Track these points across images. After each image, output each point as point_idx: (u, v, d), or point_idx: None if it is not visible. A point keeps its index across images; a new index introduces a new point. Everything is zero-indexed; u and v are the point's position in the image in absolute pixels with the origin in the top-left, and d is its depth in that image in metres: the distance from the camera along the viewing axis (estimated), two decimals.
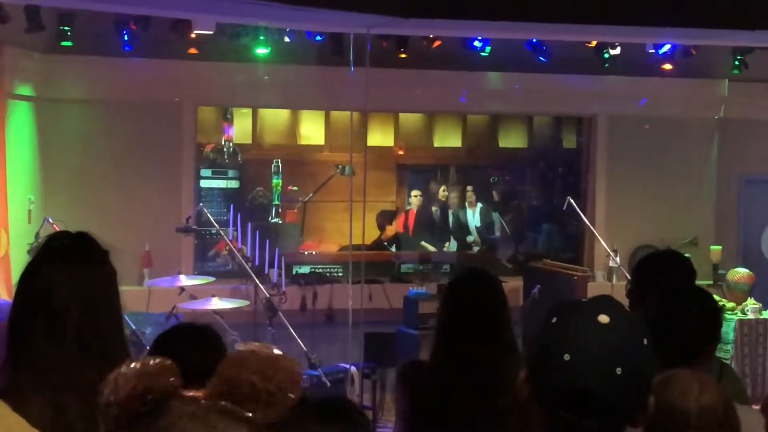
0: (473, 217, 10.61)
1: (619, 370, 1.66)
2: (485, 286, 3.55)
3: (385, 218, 10.05)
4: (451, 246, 10.55)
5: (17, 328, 2.33)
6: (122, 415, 1.36)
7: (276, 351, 1.40)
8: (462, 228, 10.58)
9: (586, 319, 1.72)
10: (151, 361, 1.39)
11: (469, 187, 10.68)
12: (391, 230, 10.04)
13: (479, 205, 10.63)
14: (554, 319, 1.75)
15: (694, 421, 2.33)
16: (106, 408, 1.37)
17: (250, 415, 1.37)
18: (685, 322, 2.97)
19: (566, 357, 1.67)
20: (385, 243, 9.80)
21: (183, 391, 1.40)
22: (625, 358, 1.67)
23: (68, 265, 2.35)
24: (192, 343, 2.88)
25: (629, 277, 7.99)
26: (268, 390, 1.37)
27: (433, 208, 10.64)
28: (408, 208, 10.32)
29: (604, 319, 1.71)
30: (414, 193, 10.30)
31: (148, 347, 6.28)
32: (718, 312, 3.10)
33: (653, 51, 8.77)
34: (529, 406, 1.76)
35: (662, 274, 3.62)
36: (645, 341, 1.74)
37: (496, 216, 10.71)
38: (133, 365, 1.37)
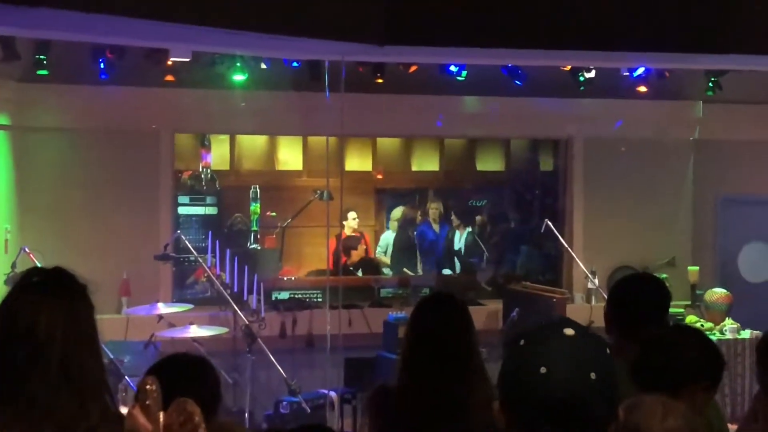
0: (459, 240, 10.62)
1: (593, 375, 1.72)
2: (449, 310, 3.55)
3: (350, 243, 10.03)
4: (419, 269, 10.55)
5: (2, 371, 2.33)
6: None
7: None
8: (447, 250, 10.58)
9: (553, 334, 1.79)
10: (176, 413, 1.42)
11: (453, 212, 10.73)
12: (356, 255, 10.02)
13: (468, 229, 10.65)
14: (522, 342, 1.80)
15: None
16: None
17: None
18: (681, 359, 2.97)
19: (542, 370, 1.72)
20: (351, 268, 9.77)
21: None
22: (596, 365, 1.74)
23: (49, 301, 2.35)
24: (186, 374, 2.88)
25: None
26: None
27: (409, 232, 10.66)
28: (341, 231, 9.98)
29: (569, 332, 1.78)
30: (352, 215, 10.17)
31: (126, 377, 6.28)
32: (713, 351, 3.09)
33: (627, 74, 8.85)
34: None
35: (638, 297, 3.64)
36: (607, 350, 1.81)
37: (476, 238, 10.73)
38: (160, 417, 1.41)
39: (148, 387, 1.64)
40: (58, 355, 2.30)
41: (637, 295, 3.64)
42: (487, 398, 3.47)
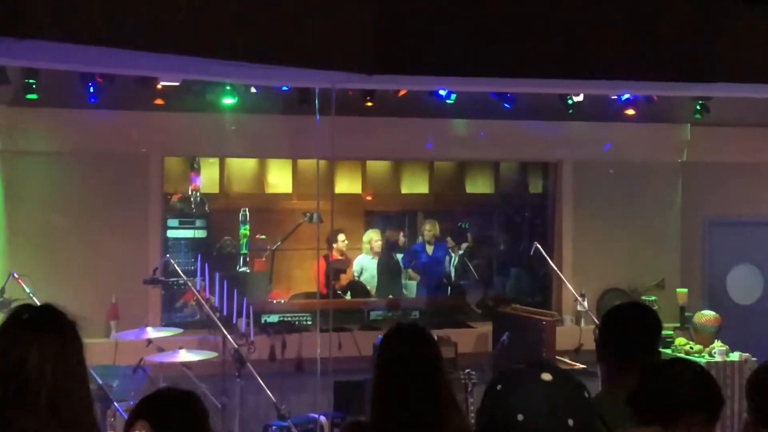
0: (453, 261, 10.63)
1: (570, 422, 1.71)
2: (415, 341, 3.54)
3: (338, 266, 10.02)
4: (410, 290, 10.53)
5: None
6: None
7: None
8: (442, 271, 10.57)
9: (530, 379, 1.77)
10: None
11: (449, 234, 10.74)
12: (345, 278, 10.01)
13: (461, 251, 10.65)
14: (499, 387, 1.79)
15: None
16: None
17: None
18: (680, 390, 2.97)
19: (519, 417, 1.71)
20: (339, 291, 9.76)
21: None
22: (574, 410, 1.73)
23: (39, 338, 2.36)
24: (176, 409, 2.88)
25: (597, 322, 8.07)
26: None
27: (393, 254, 10.66)
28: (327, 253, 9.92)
29: (547, 377, 1.76)
30: (341, 237, 10.15)
31: (115, 402, 6.25)
32: (712, 384, 3.09)
33: (616, 97, 8.90)
34: None
35: (631, 326, 3.64)
36: (586, 394, 1.80)
37: (466, 260, 10.74)
38: None
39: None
40: (48, 390, 2.31)
41: (629, 324, 3.65)
42: (460, 426, 3.47)
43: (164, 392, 3.11)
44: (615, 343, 3.61)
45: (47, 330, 2.40)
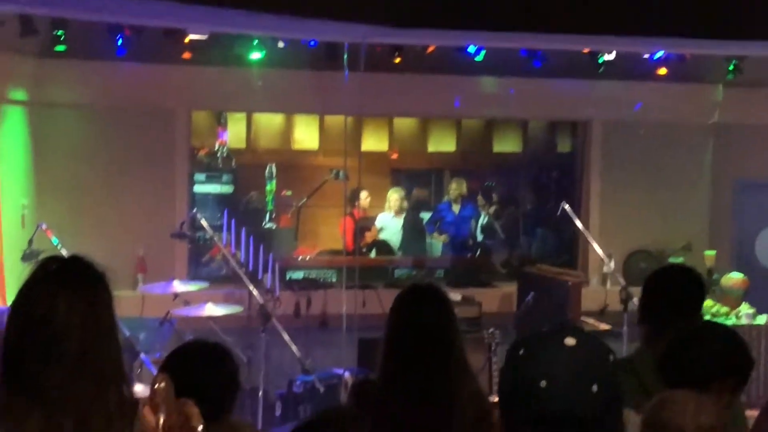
0: (481, 220, 10.60)
1: (595, 388, 1.67)
2: (429, 302, 3.52)
3: (363, 224, 9.99)
4: (434, 249, 10.49)
5: (14, 350, 2.33)
6: None
7: None
8: (468, 230, 10.53)
9: (553, 345, 1.73)
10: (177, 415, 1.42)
11: (479, 193, 10.70)
12: (369, 236, 9.98)
13: (491, 209, 10.60)
14: (522, 351, 1.75)
15: None
16: None
17: None
18: (711, 355, 2.94)
19: (542, 384, 1.67)
20: (364, 249, 9.74)
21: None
22: (598, 376, 1.69)
23: (67, 291, 2.34)
24: (205, 362, 2.88)
25: (623, 283, 8.04)
26: None
27: (419, 213, 10.63)
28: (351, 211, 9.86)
29: (570, 341, 1.72)
30: (363, 195, 10.09)
31: (142, 354, 6.29)
32: (742, 348, 3.06)
33: (647, 56, 8.78)
34: None
35: (674, 289, 3.60)
36: (611, 357, 1.76)
37: (492, 220, 10.71)
38: (161, 418, 1.41)
39: (157, 386, 1.63)
40: (76, 344, 2.29)
41: (673, 288, 3.61)
42: (470, 391, 3.45)
43: (194, 345, 3.12)
44: (653, 305, 3.58)
45: (75, 281, 2.38)
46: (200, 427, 1.56)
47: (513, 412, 1.73)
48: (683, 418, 2.35)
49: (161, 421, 1.58)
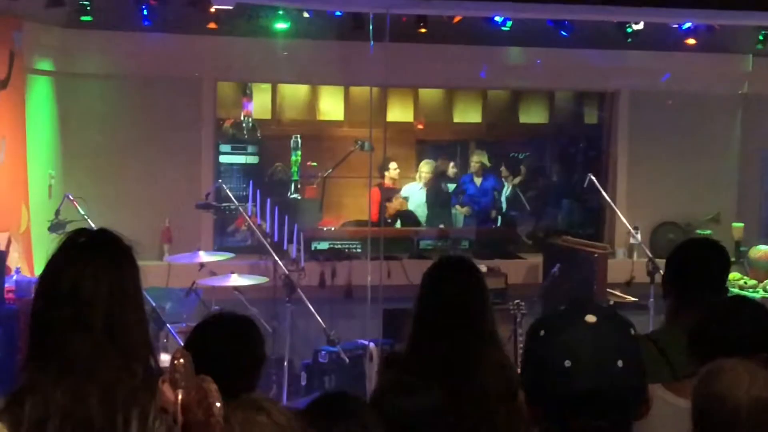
0: (505, 191, 10.56)
1: (620, 363, 1.67)
2: (462, 275, 3.50)
3: (387, 195, 9.97)
4: (459, 220, 10.45)
5: (41, 322, 2.36)
6: None
7: None
8: (490, 202, 10.50)
9: (574, 323, 1.72)
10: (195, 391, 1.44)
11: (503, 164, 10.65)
12: (392, 207, 9.95)
13: (515, 180, 10.56)
14: (542, 332, 1.74)
15: (745, 414, 2.30)
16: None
17: None
18: (740, 329, 2.91)
19: (567, 364, 1.66)
20: (388, 220, 9.72)
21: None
22: (621, 351, 1.68)
23: (94, 263, 2.36)
24: (229, 337, 2.89)
25: (650, 255, 7.99)
26: None
27: (443, 184, 10.58)
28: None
29: (591, 318, 1.71)
30: (393, 166, 10.06)
31: (167, 324, 6.33)
32: None
33: (676, 26, 8.68)
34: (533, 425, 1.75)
35: (699, 263, 3.57)
36: (632, 331, 1.75)
37: (517, 191, 10.66)
38: (180, 394, 1.43)
39: (176, 362, 1.64)
40: (102, 316, 2.31)
41: (698, 261, 3.58)
42: (499, 364, 3.44)
43: (219, 319, 3.12)
44: (677, 280, 3.55)
45: (102, 254, 2.40)
46: (218, 404, 1.57)
47: (539, 393, 1.72)
48: (739, 390, 2.32)
49: (179, 397, 1.58)
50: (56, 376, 2.28)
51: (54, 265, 2.40)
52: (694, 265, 3.56)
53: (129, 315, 2.36)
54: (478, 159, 10.56)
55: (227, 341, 2.86)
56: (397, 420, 2.71)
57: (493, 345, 3.49)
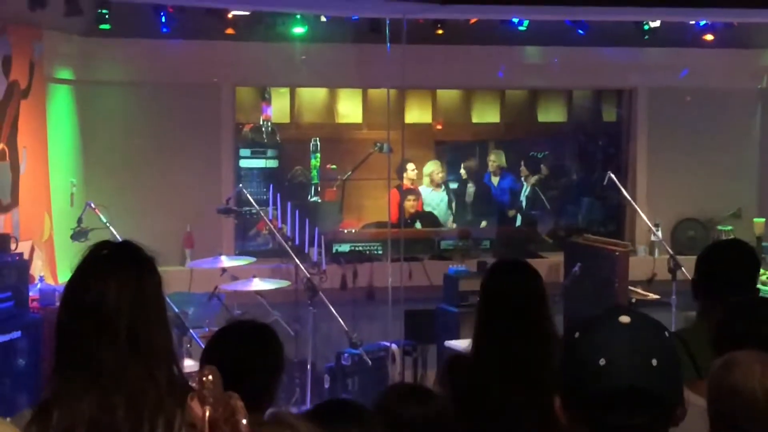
0: (525, 190, 10.55)
1: (654, 362, 1.67)
2: (524, 278, 3.51)
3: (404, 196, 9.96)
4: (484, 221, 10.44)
5: (67, 333, 2.40)
6: None
7: None
8: (508, 201, 10.49)
9: (609, 324, 1.74)
10: (223, 407, 1.47)
11: (522, 162, 10.63)
12: (412, 208, 9.95)
13: (534, 178, 10.55)
14: (576, 335, 1.76)
15: (762, 403, 2.31)
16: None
17: None
18: (764, 327, 2.92)
19: (602, 362, 1.68)
20: (408, 221, 9.73)
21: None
22: (656, 350, 1.69)
23: (117, 275, 2.40)
24: (249, 343, 2.91)
25: (671, 252, 7.97)
26: None
27: (469, 185, 10.58)
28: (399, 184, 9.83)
29: (625, 319, 1.73)
30: (411, 167, 10.04)
31: (190, 329, 6.37)
32: None
33: (693, 22, 8.66)
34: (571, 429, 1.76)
35: (728, 265, 3.59)
36: (666, 333, 1.76)
37: (537, 190, 10.66)
38: (207, 411, 1.46)
39: (204, 378, 1.66)
40: (126, 326, 2.35)
41: (727, 263, 3.59)
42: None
43: (237, 326, 3.14)
44: (708, 282, 3.57)
45: (125, 266, 2.44)
46: (244, 421, 1.60)
47: (575, 394, 1.73)
48: (752, 381, 2.33)
49: (207, 413, 1.61)
50: (83, 387, 2.32)
51: (78, 277, 2.44)
52: (724, 267, 3.58)
53: (152, 326, 2.39)
54: (496, 159, 10.58)
55: (245, 351, 2.88)
56: (402, 428, 2.71)
57: (556, 344, 3.51)
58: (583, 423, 1.72)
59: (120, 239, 2.64)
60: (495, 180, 10.54)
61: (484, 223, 10.26)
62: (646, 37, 8.64)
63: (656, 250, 9.34)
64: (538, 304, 3.47)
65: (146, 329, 2.37)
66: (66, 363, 2.38)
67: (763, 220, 9.34)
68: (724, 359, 2.43)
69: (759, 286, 8.28)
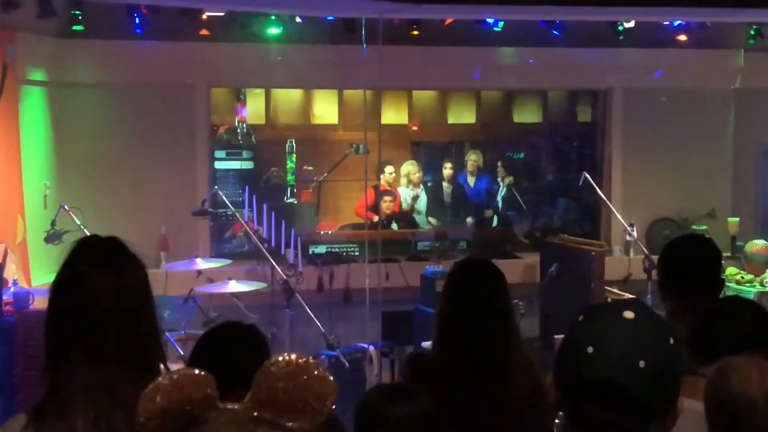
0: (500, 191, 10.56)
1: (642, 364, 1.65)
2: (485, 276, 3.51)
3: (381, 197, 9.96)
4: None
5: (55, 329, 2.37)
6: (160, 429, 1.36)
7: (310, 360, 1.40)
8: (485, 202, 10.49)
9: (611, 315, 1.73)
10: (187, 373, 1.39)
11: (499, 163, 10.64)
12: (389, 209, 9.94)
13: (509, 179, 10.56)
14: (581, 318, 1.76)
15: (762, 408, 2.32)
16: (145, 422, 1.37)
17: (288, 424, 1.37)
18: (740, 327, 2.93)
19: (589, 350, 1.67)
20: (384, 221, 9.72)
21: (220, 403, 1.41)
22: (648, 353, 1.66)
23: (100, 265, 2.38)
24: (237, 344, 2.89)
25: (646, 252, 8.00)
26: (304, 399, 1.37)
27: (444, 185, 10.58)
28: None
29: (629, 314, 1.71)
30: (389, 169, 10.04)
31: (166, 332, 6.33)
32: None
33: (668, 23, 8.71)
34: (556, 407, 1.76)
35: (690, 261, 3.59)
36: (671, 341, 1.73)
37: (513, 191, 10.67)
38: (169, 377, 1.37)
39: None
40: (115, 332, 2.33)
41: (689, 260, 3.60)
42: (523, 364, 3.46)
43: (224, 328, 3.11)
44: (673, 281, 3.58)
45: (108, 257, 2.42)
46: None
47: (561, 374, 1.73)
48: (751, 386, 2.34)
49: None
50: (77, 401, 2.28)
51: (63, 269, 2.42)
52: (686, 264, 3.59)
53: (142, 327, 2.38)
54: (475, 159, 10.58)
55: (234, 351, 2.86)
56: (385, 427, 2.70)
57: (518, 344, 3.51)
58: (566, 403, 1.72)
59: None
60: (471, 180, 10.54)
61: (470, 220, 10.23)
62: (621, 37, 8.68)
63: (631, 250, 9.39)
64: (502, 303, 3.47)
65: (135, 333, 2.35)
66: (57, 361, 2.35)
67: (737, 219, 9.41)
68: (720, 365, 2.43)
69: (734, 285, 8.38)
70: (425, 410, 2.76)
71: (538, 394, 3.32)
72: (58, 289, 2.41)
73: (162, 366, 2.38)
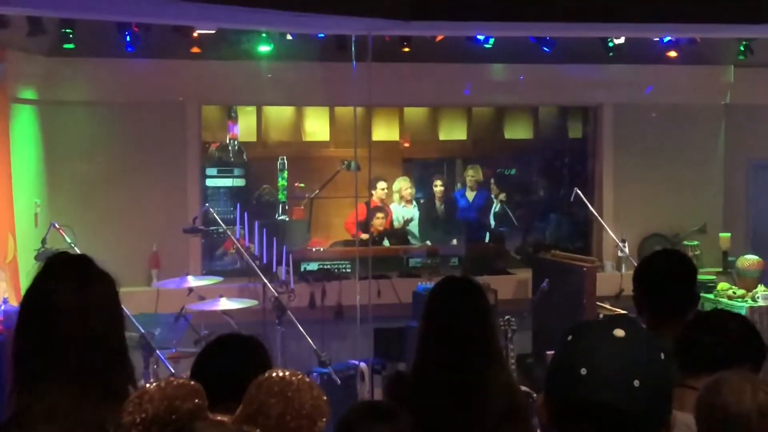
0: (494, 207, 10.57)
1: (636, 383, 1.63)
2: (466, 295, 3.50)
3: (373, 213, 9.96)
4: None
5: (21, 362, 2.33)
6: None
7: (305, 379, 1.39)
8: (480, 218, 10.49)
9: (601, 334, 1.70)
10: (176, 382, 1.37)
11: (492, 180, 10.66)
12: (381, 225, 9.95)
13: (503, 196, 10.57)
14: (570, 337, 1.73)
15: (755, 422, 2.31)
16: (130, 428, 1.35)
17: None
18: (726, 340, 2.94)
19: (582, 371, 1.64)
20: (376, 238, 9.72)
21: (210, 414, 1.39)
22: (642, 371, 1.65)
23: (69, 291, 2.34)
24: (237, 356, 2.87)
25: None
26: (295, 416, 1.35)
27: (437, 202, 10.60)
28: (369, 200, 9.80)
29: (619, 333, 1.69)
30: (381, 185, 10.06)
31: (157, 350, 6.30)
32: (755, 334, 3.06)
33: (658, 39, 8.73)
34: (548, 428, 1.74)
35: (665, 278, 3.61)
36: (662, 356, 1.71)
37: (505, 207, 10.69)
38: (157, 385, 1.35)
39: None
40: (80, 353, 2.28)
41: (663, 276, 3.62)
42: (504, 384, 3.44)
43: (227, 339, 3.09)
44: (648, 298, 3.59)
45: (73, 274, 2.39)
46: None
47: (554, 395, 1.71)
48: (745, 400, 2.33)
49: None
50: (40, 420, 2.24)
51: (31, 285, 2.40)
52: (661, 279, 3.60)
53: (109, 350, 2.33)
54: (474, 174, 10.57)
55: (238, 362, 2.83)
56: None
57: (498, 364, 3.49)
58: (558, 425, 1.70)
59: None
60: (470, 195, 10.53)
61: (456, 240, 10.25)
62: (611, 53, 8.70)
63: (623, 266, 9.39)
64: (482, 322, 3.45)
65: (99, 344, 2.31)
66: (23, 382, 2.32)
67: (729, 234, 9.42)
68: (712, 380, 2.43)
69: (725, 300, 8.37)
70: (401, 430, 2.75)
71: (517, 414, 3.31)
72: (24, 306, 2.38)
73: (132, 388, 2.34)
